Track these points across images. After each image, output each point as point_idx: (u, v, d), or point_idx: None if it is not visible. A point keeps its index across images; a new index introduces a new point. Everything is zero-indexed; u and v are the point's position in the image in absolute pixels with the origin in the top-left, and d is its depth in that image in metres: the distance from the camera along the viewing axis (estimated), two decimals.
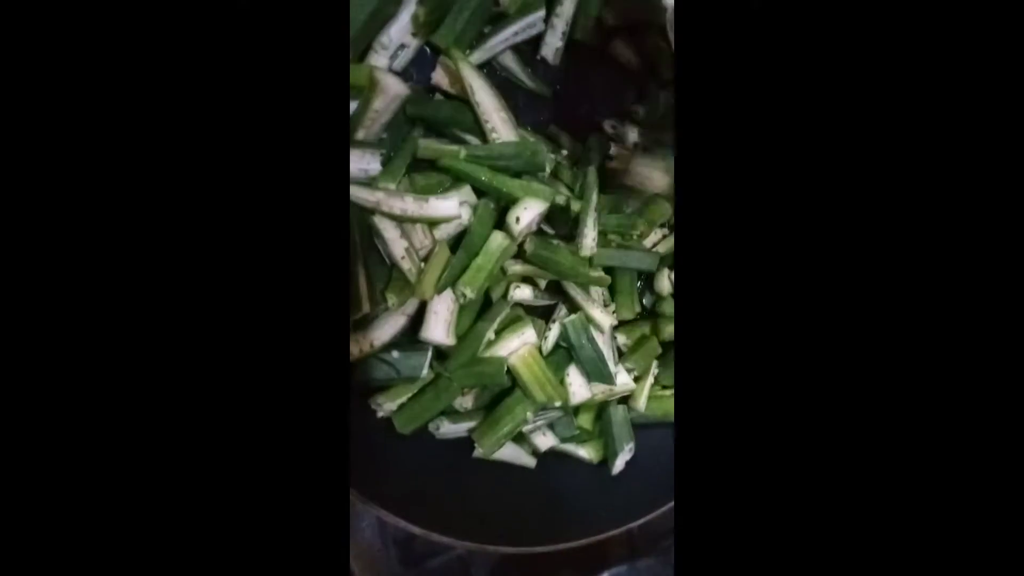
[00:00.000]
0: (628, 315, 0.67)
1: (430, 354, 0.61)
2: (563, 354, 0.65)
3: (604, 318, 0.65)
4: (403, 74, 0.61)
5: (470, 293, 0.59)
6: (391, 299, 0.59)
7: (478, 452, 0.63)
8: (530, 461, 0.66)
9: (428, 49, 0.62)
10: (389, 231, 0.58)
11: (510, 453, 0.65)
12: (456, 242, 0.61)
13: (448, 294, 0.60)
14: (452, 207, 0.59)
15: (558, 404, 0.63)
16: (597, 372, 0.64)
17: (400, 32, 0.59)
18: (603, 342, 0.65)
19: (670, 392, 0.68)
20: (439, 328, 0.60)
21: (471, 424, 0.64)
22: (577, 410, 0.66)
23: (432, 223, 0.60)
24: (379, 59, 0.60)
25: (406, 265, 0.58)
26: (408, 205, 0.58)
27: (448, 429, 0.63)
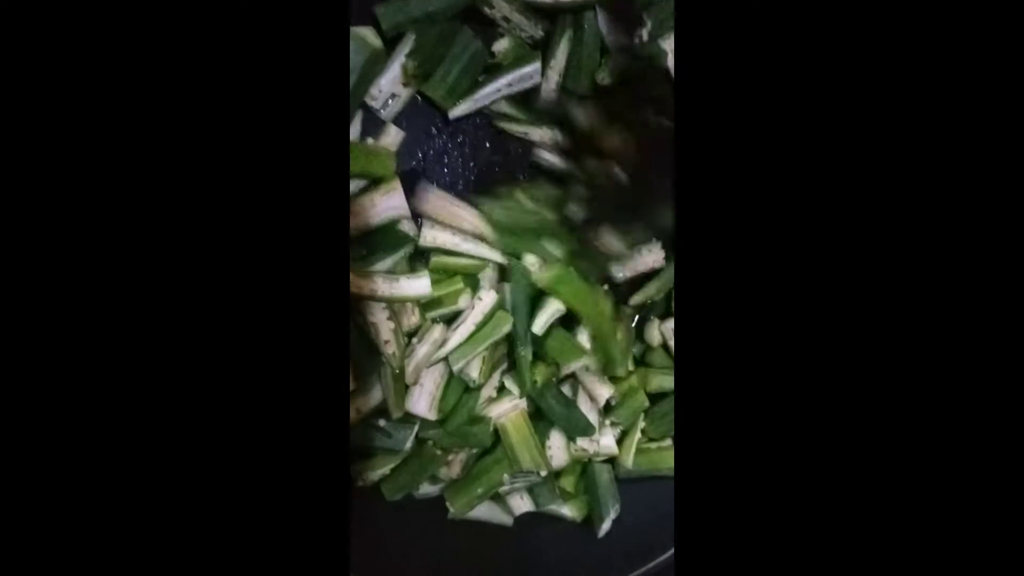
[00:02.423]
0: (622, 373, 0.66)
1: (416, 428, 0.60)
2: (544, 418, 0.64)
3: (603, 391, 0.64)
4: (394, 122, 0.61)
5: (474, 374, 0.61)
6: (394, 412, 0.59)
7: (451, 513, 0.62)
8: (507, 519, 0.65)
9: (419, 97, 0.61)
10: (376, 314, 0.58)
11: (485, 512, 0.64)
12: (449, 322, 0.61)
13: (437, 368, 0.60)
14: (424, 286, 0.58)
15: (543, 473, 0.62)
16: (575, 427, 0.63)
17: (390, 83, 0.59)
18: (583, 398, 0.65)
19: (656, 444, 0.68)
20: (423, 401, 0.60)
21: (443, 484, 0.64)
22: (559, 473, 0.65)
23: (406, 302, 0.59)
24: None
25: (390, 350, 0.58)
26: (378, 286, 0.57)
27: (428, 490, 0.63)
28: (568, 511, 0.66)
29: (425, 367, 0.59)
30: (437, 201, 0.60)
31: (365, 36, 0.56)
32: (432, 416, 0.60)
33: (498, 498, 0.64)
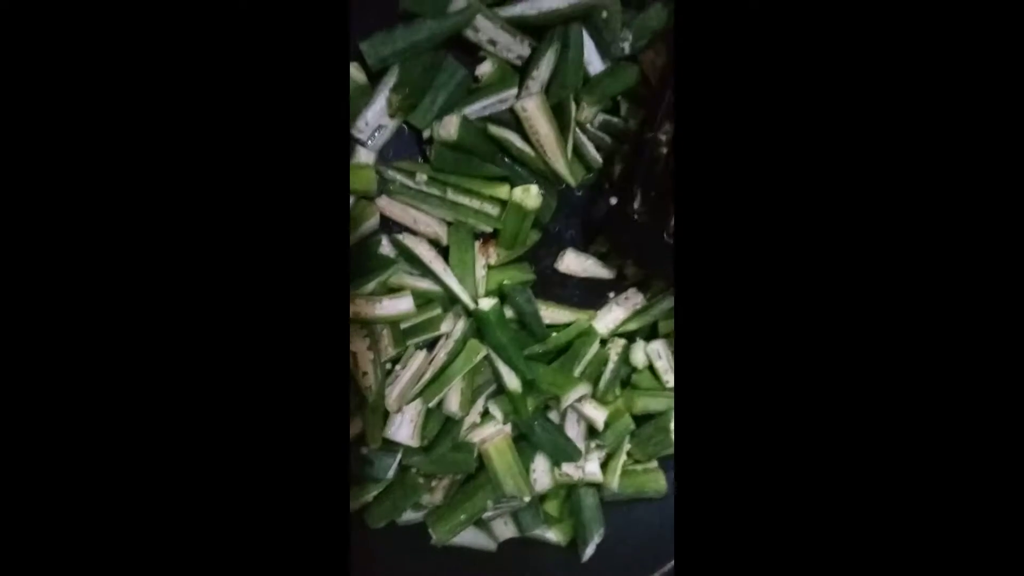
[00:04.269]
0: (610, 398, 0.67)
1: (399, 456, 0.61)
2: (530, 443, 0.65)
3: (597, 414, 0.65)
4: (381, 152, 0.61)
5: (454, 407, 0.61)
6: (371, 443, 0.60)
7: (434, 540, 0.63)
8: (491, 545, 0.66)
9: (407, 127, 0.62)
10: (356, 343, 0.58)
11: (469, 538, 0.65)
12: (430, 347, 0.62)
13: (420, 398, 0.61)
14: (407, 305, 0.59)
15: (527, 499, 0.63)
16: (561, 453, 0.64)
17: (376, 115, 0.59)
18: (571, 423, 0.65)
19: (642, 467, 0.69)
20: (404, 429, 0.60)
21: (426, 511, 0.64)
22: (543, 497, 0.66)
23: (387, 326, 0.60)
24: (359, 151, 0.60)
25: (368, 382, 0.58)
26: (361, 308, 0.57)
27: (411, 517, 0.64)
28: (553, 536, 0.67)
29: (407, 398, 0.60)
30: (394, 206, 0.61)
31: (349, 72, 0.56)
32: (415, 443, 0.60)
33: (481, 524, 0.65)
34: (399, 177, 0.60)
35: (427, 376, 0.60)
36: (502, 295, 0.64)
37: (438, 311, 0.61)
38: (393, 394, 0.59)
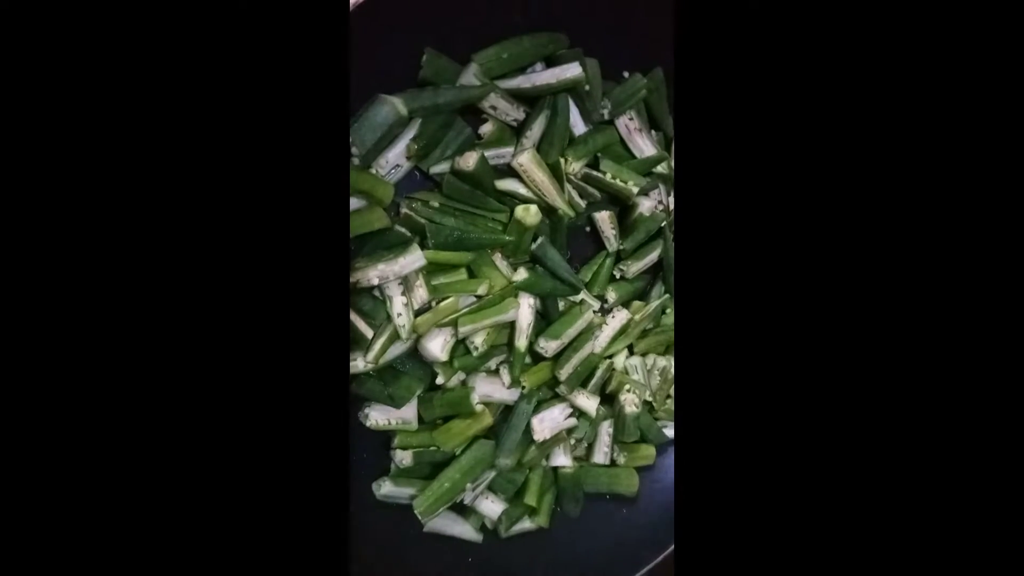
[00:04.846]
0: (592, 405, 0.76)
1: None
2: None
3: (590, 404, 0.75)
4: (396, 186, 0.73)
5: (478, 341, 0.71)
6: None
7: (418, 512, 0.69)
8: (476, 536, 0.73)
9: (418, 173, 0.74)
10: (391, 288, 0.68)
11: (457, 528, 0.73)
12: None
13: (447, 329, 0.70)
14: (419, 257, 0.67)
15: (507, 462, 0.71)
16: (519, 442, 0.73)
17: (396, 156, 0.71)
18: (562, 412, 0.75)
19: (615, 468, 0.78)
20: (435, 343, 0.69)
21: (412, 491, 0.71)
22: (522, 491, 0.74)
23: (410, 276, 0.69)
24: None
25: (401, 321, 0.68)
26: (378, 271, 0.66)
27: (389, 490, 0.71)
28: (531, 523, 0.75)
29: (435, 325, 0.68)
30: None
31: (396, 103, 0.68)
32: (443, 357, 0.69)
33: (468, 512, 0.73)
34: (417, 196, 0.72)
35: (463, 311, 0.69)
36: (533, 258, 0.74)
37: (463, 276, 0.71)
38: (423, 319, 0.67)
